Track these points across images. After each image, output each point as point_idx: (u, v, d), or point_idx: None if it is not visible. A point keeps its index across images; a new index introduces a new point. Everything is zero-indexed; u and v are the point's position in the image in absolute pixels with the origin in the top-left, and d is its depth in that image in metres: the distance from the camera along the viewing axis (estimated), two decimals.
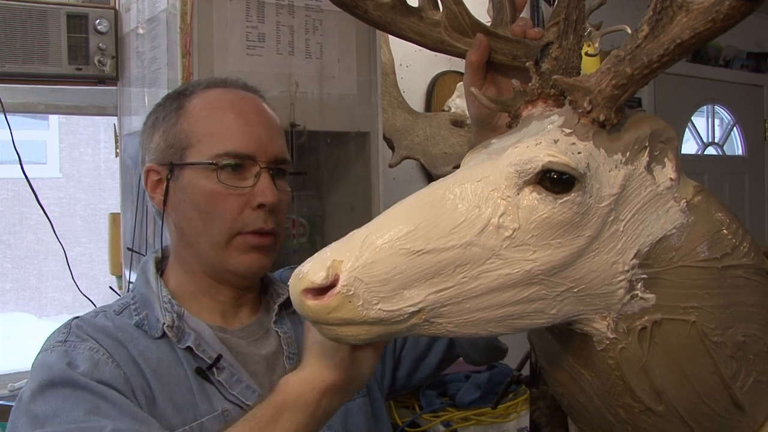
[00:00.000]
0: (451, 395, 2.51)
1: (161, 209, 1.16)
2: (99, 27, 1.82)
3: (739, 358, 0.78)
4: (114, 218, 1.96)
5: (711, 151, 4.40)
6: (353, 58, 1.75)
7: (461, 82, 3.04)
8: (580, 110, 0.74)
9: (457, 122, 2.92)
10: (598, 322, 0.76)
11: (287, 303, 1.18)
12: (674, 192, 0.77)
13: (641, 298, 0.75)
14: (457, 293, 0.70)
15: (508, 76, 1.05)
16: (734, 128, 4.51)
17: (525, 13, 1.33)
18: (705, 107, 4.35)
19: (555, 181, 0.70)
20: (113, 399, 0.96)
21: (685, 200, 0.77)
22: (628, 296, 0.75)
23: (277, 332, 1.17)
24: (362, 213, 1.84)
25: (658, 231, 0.75)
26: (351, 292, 0.67)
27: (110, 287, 1.87)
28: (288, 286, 1.22)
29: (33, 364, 1.03)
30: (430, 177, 3.00)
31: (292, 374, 0.90)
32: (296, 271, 0.70)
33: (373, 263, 0.68)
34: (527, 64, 0.88)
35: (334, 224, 1.91)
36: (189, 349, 1.07)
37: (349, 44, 1.73)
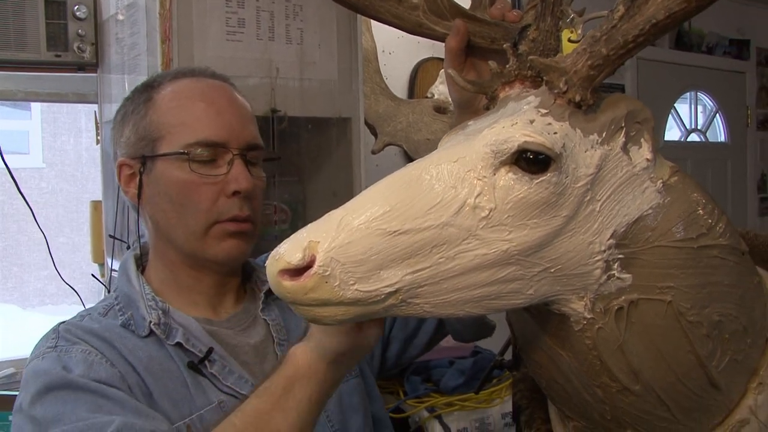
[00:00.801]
0: (435, 381, 2.52)
1: (136, 203, 1.15)
2: (78, 13, 1.80)
3: (715, 337, 0.79)
4: (96, 206, 1.95)
5: (694, 137, 4.42)
6: (334, 44, 1.74)
7: (443, 69, 3.05)
8: (556, 91, 0.74)
9: (440, 109, 2.92)
10: (576, 303, 0.76)
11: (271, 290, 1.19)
12: (650, 172, 0.77)
13: (618, 278, 0.75)
14: (433, 273, 0.70)
15: (487, 59, 1.05)
16: (717, 115, 4.54)
17: None
18: (688, 94, 4.38)
19: (531, 161, 0.70)
20: (114, 396, 0.96)
21: (661, 180, 0.77)
22: (605, 276, 0.75)
23: (265, 320, 1.17)
24: (344, 199, 1.81)
25: (635, 211, 0.75)
26: (327, 273, 0.67)
27: (92, 275, 1.86)
28: None
29: (25, 372, 1.02)
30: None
31: (298, 345, 0.89)
32: (273, 252, 0.70)
33: (349, 244, 0.68)
34: (504, 46, 0.88)
35: (316, 210, 1.91)
36: (179, 344, 1.06)
37: (329, 29, 1.73)
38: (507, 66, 0.85)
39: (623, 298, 0.76)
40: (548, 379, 0.86)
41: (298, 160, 1.84)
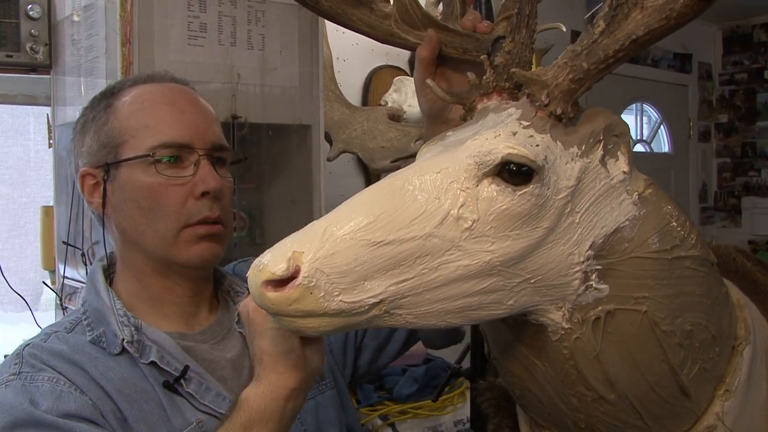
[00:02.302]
0: (388, 389, 2.52)
1: (101, 213, 1.11)
2: (31, 12, 1.75)
3: (687, 346, 0.81)
4: (47, 211, 1.89)
5: (639, 148, 4.53)
6: (295, 50, 1.73)
7: (398, 77, 3.05)
8: (537, 103, 0.75)
9: (394, 116, 2.92)
10: (554, 313, 0.77)
11: None
12: (627, 185, 0.78)
13: (595, 288, 0.76)
14: (417, 284, 0.70)
15: (458, 69, 1.06)
16: (661, 126, 4.65)
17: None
18: (634, 105, 4.48)
19: (514, 173, 0.71)
20: None
21: (637, 193, 0.79)
22: (583, 287, 0.76)
23: (241, 333, 1.13)
24: (303, 206, 1.83)
25: (612, 223, 0.77)
26: (312, 284, 0.67)
27: (44, 282, 1.81)
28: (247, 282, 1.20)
29: None
30: (366, 171, 3.00)
31: (250, 389, 0.89)
32: (255, 262, 0.69)
33: (334, 254, 0.67)
34: (481, 57, 0.89)
35: (274, 217, 1.90)
36: (153, 363, 1.03)
37: (291, 36, 1.72)
38: (484, 77, 0.86)
39: (600, 308, 0.77)
40: (522, 389, 0.87)
41: (257, 166, 1.82)
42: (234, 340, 1.14)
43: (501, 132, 0.73)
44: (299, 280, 0.66)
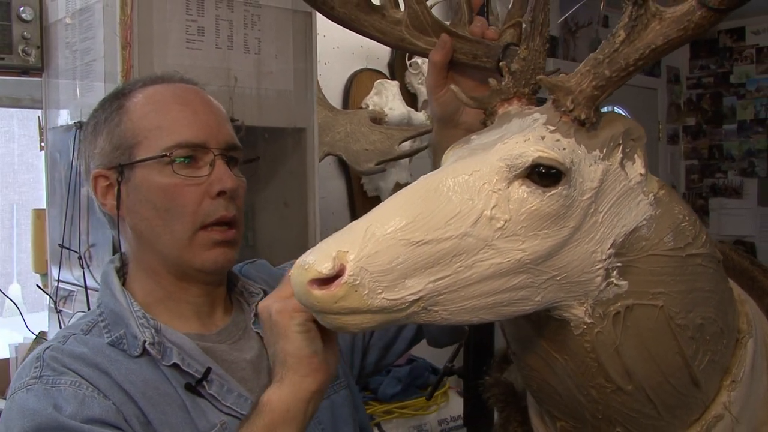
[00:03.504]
0: (372, 389, 2.55)
1: (114, 215, 1.11)
2: (23, 15, 1.75)
3: (698, 339, 0.85)
4: (38, 214, 1.89)
5: None
6: (290, 55, 1.76)
7: (378, 80, 3.08)
8: (563, 109, 0.79)
9: (376, 119, 2.96)
10: (577, 308, 0.81)
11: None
12: (643, 186, 0.82)
13: (616, 284, 0.80)
14: (453, 282, 0.73)
15: (466, 74, 1.09)
16: None
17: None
18: (606, 108, 4.55)
19: (543, 175, 0.75)
20: None
21: (652, 194, 0.83)
22: (605, 283, 0.80)
23: (258, 333, 1.14)
24: (296, 209, 1.85)
25: (631, 222, 0.81)
26: (357, 282, 0.69)
27: (37, 285, 1.80)
28: (258, 281, 1.21)
29: (10, 405, 0.98)
30: (347, 173, 3.03)
31: (272, 392, 0.89)
32: (299, 261, 0.71)
33: (376, 253, 0.70)
34: (500, 64, 0.92)
35: (267, 220, 1.91)
36: (175, 365, 1.03)
37: (286, 40, 1.74)
38: (503, 83, 0.89)
39: (620, 303, 0.81)
40: (540, 382, 0.91)
41: (251, 169, 1.84)
42: (251, 341, 1.15)
43: (530, 136, 0.76)
44: (345, 278, 0.69)
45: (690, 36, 0.76)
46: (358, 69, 3.12)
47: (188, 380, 1.04)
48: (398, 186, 2.98)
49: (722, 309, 0.88)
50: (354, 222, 0.74)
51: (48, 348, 1.03)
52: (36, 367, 1.00)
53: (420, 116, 3.05)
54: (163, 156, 1.07)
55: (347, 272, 0.69)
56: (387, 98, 2.99)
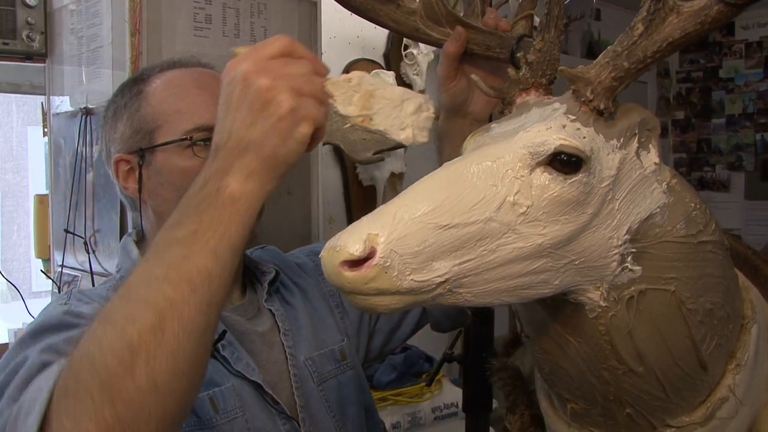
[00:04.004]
0: (368, 376, 2.56)
1: (137, 198, 1.14)
2: (28, 0, 1.75)
3: (707, 323, 0.88)
4: (41, 200, 1.89)
5: None
6: None
7: (374, 70, 3.09)
8: (582, 99, 0.81)
9: None
10: (592, 292, 0.83)
11: (273, 281, 1.21)
12: (657, 175, 0.85)
13: (630, 269, 0.83)
14: (477, 265, 0.75)
15: (476, 65, 1.12)
16: None
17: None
18: None
19: (564, 162, 0.77)
20: None
21: (665, 183, 0.85)
22: (620, 268, 0.83)
23: (270, 310, 1.19)
24: (300, 197, 1.87)
25: (646, 210, 0.83)
26: (387, 264, 0.71)
27: (41, 270, 1.81)
28: (270, 263, 1.24)
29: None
30: (343, 162, 3.04)
31: (237, 180, 0.78)
32: (330, 243, 0.74)
33: (406, 236, 0.72)
34: (518, 55, 0.95)
35: (270, 209, 1.91)
36: None
37: (291, 29, 1.75)
38: (521, 74, 0.91)
39: (634, 288, 0.84)
40: (553, 365, 0.93)
41: None
42: (264, 317, 1.19)
43: (552, 125, 0.79)
44: (376, 260, 0.71)
45: (707, 30, 0.78)
46: (355, 59, 3.13)
47: None
48: (393, 176, 3.00)
49: (729, 295, 0.91)
50: (382, 206, 0.76)
51: (75, 289, 1.09)
52: (63, 298, 1.04)
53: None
54: (183, 139, 1.10)
55: (378, 254, 0.71)
56: None
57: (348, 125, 0.91)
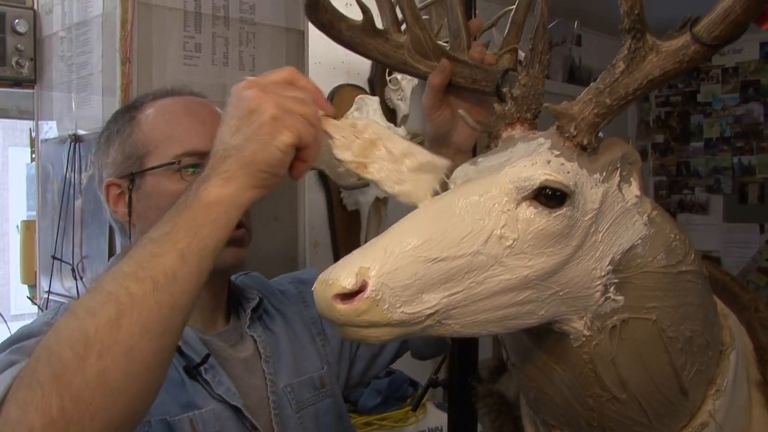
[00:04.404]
0: (353, 401, 2.58)
1: (127, 221, 1.16)
2: (17, 27, 1.77)
3: (687, 350, 0.91)
4: (28, 225, 1.90)
5: None
6: None
7: (359, 96, 3.12)
8: (567, 134, 0.84)
9: None
10: (576, 322, 0.86)
11: (257, 308, 1.23)
12: (638, 207, 0.88)
13: (613, 299, 0.86)
14: (465, 296, 0.78)
15: (461, 97, 1.15)
16: None
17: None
18: None
19: (549, 196, 0.80)
20: None
21: (646, 214, 0.88)
22: (603, 298, 0.85)
23: (252, 336, 1.21)
24: (286, 223, 1.89)
25: (628, 241, 0.86)
26: (379, 296, 0.74)
27: (27, 297, 1.81)
28: (254, 289, 1.26)
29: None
30: (327, 186, 3.06)
31: (215, 186, 0.82)
32: (322, 277, 0.76)
33: (396, 270, 0.75)
34: (503, 90, 0.98)
35: (257, 234, 1.93)
36: (177, 348, 1.08)
37: (279, 58, 1.78)
38: (506, 108, 0.94)
39: (616, 317, 0.86)
40: (538, 392, 0.95)
41: None
42: (246, 343, 1.21)
43: (537, 160, 0.81)
44: (368, 293, 0.73)
45: (685, 68, 0.81)
46: (339, 84, 3.16)
47: (188, 362, 1.09)
48: (378, 200, 3.02)
49: (708, 322, 0.94)
50: (373, 240, 0.78)
51: (63, 306, 1.09)
52: (49, 314, 1.05)
53: (400, 131, 3.09)
54: (172, 163, 1.13)
55: (369, 287, 0.73)
56: (368, 113, 3.03)
57: (342, 169, 0.93)
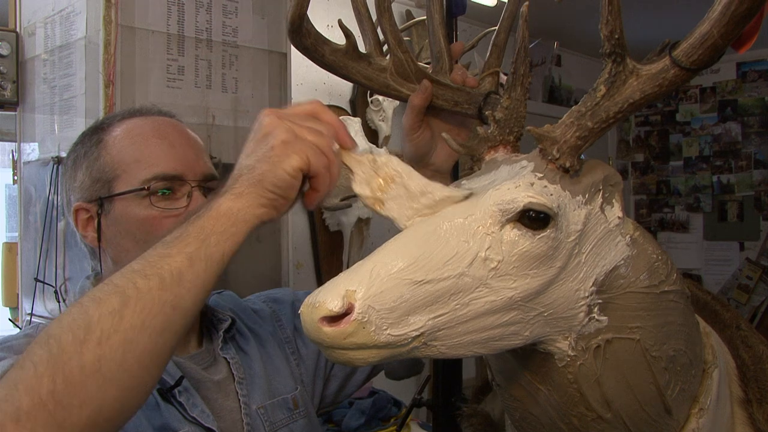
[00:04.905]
0: (336, 421, 2.57)
1: (96, 247, 1.15)
2: (0, 50, 1.76)
3: (671, 369, 0.91)
4: (10, 247, 1.88)
5: None
6: (266, 93, 1.81)
7: (341, 117, 3.14)
8: (549, 157, 0.85)
9: None
10: (561, 342, 0.86)
11: (229, 328, 1.22)
12: (621, 228, 0.89)
13: (597, 320, 0.86)
14: (451, 318, 0.78)
15: (441, 118, 1.16)
16: None
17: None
18: None
19: (533, 218, 0.81)
20: None
21: (629, 235, 0.89)
22: (587, 319, 0.86)
23: (225, 358, 1.20)
24: (269, 243, 1.88)
25: (611, 262, 0.87)
26: (365, 319, 0.74)
27: (9, 319, 1.80)
28: (227, 309, 1.25)
29: None
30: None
31: (226, 199, 0.84)
32: (308, 300, 0.76)
33: (382, 292, 0.75)
34: (486, 113, 0.99)
35: (240, 255, 1.93)
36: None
37: (262, 80, 1.79)
38: (489, 131, 0.95)
39: (600, 337, 0.87)
40: (523, 412, 0.96)
41: None
42: (219, 365, 1.20)
43: (520, 182, 0.82)
44: (354, 315, 0.74)
45: (665, 92, 0.83)
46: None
47: (161, 385, 1.08)
48: (360, 221, 3.03)
49: (691, 341, 0.95)
50: (358, 263, 0.79)
51: (42, 324, 1.07)
52: (28, 330, 1.05)
53: (381, 152, 3.11)
54: (141, 189, 1.10)
55: (356, 310, 0.74)
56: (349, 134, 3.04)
57: (360, 204, 0.93)
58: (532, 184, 0.82)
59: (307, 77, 2.96)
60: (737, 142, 4.54)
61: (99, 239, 1.14)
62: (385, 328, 0.75)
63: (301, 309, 0.77)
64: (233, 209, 0.83)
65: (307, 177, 0.87)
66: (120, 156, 1.13)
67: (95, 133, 1.17)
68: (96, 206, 1.13)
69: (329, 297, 0.74)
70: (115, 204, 1.12)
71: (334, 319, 0.74)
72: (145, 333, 0.75)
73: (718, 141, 4.60)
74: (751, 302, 4.35)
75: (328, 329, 0.74)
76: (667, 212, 4.79)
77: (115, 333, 0.73)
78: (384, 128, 3.19)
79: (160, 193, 1.11)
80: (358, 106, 3.25)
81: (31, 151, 1.80)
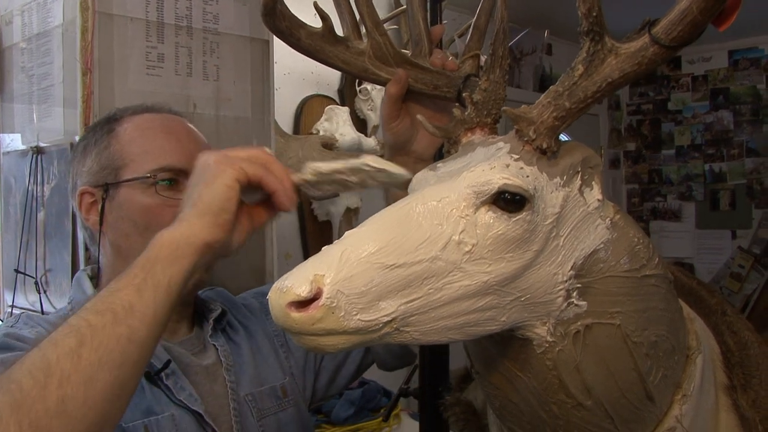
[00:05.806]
0: (326, 412, 2.56)
1: (97, 230, 1.18)
2: None
3: (652, 355, 0.90)
4: None
5: None
6: (248, 81, 1.78)
7: (329, 106, 3.11)
8: (525, 138, 0.83)
9: (328, 145, 2.98)
10: (539, 328, 0.84)
11: (219, 318, 1.23)
12: (600, 211, 0.87)
13: (576, 305, 0.84)
14: (424, 303, 0.76)
15: (421, 104, 1.14)
16: None
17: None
18: None
19: (508, 201, 0.79)
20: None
21: (609, 218, 0.87)
22: (565, 304, 0.84)
23: (215, 345, 1.22)
24: (256, 234, 1.85)
25: (590, 245, 0.85)
26: (334, 304, 0.72)
27: None
28: (218, 301, 1.27)
29: None
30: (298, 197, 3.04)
31: (167, 230, 0.89)
32: (277, 284, 0.74)
33: (352, 277, 0.73)
34: (463, 95, 0.97)
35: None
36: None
37: (244, 67, 1.76)
38: (467, 113, 0.93)
39: (579, 322, 0.85)
40: (503, 400, 0.94)
41: None
42: (209, 352, 1.22)
43: (496, 164, 0.80)
44: (323, 300, 0.72)
45: (644, 71, 0.81)
46: (309, 95, 3.15)
47: (149, 369, 1.10)
48: (348, 211, 3.01)
49: (674, 327, 0.93)
50: (328, 246, 0.77)
51: (25, 314, 1.11)
52: (10, 322, 1.07)
53: (370, 141, 3.09)
54: (147, 177, 1.15)
55: (324, 295, 0.72)
56: (337, 124, 3.03)
57: (337, 176, 1.02)
58: (507, 166, 0.80)
59: (294, 67, 2.94)
60: (729, 131, 4.53)
61: (101, 223, 1.18)
62: (354, 313, 0.73)
63: (269, 294, 0.75)
64: (175, 235, 0.87)
65: (259, 188, 0.93)
66: (129, 146, 1.18)
67: (107, 123, 1.23)
68: (101, 191, 1.18)
69: (297, 281, 0.73)
70: (121, 190, 1.17)
71: (303, 304, 0.72)
72: (104, 368, 0.77)
73: (710, 129, 4.59)
74: (744, 291, 4.34)
75: (296, 315, 0.72)
76: (659, 201, 4.78)
77: (75, 372, 0.75)
78: (372, 118, 3.17)
79: (164, 183, 1.16)
80: (346, 95, 3.23)
81: (11, 141, 1.77)
